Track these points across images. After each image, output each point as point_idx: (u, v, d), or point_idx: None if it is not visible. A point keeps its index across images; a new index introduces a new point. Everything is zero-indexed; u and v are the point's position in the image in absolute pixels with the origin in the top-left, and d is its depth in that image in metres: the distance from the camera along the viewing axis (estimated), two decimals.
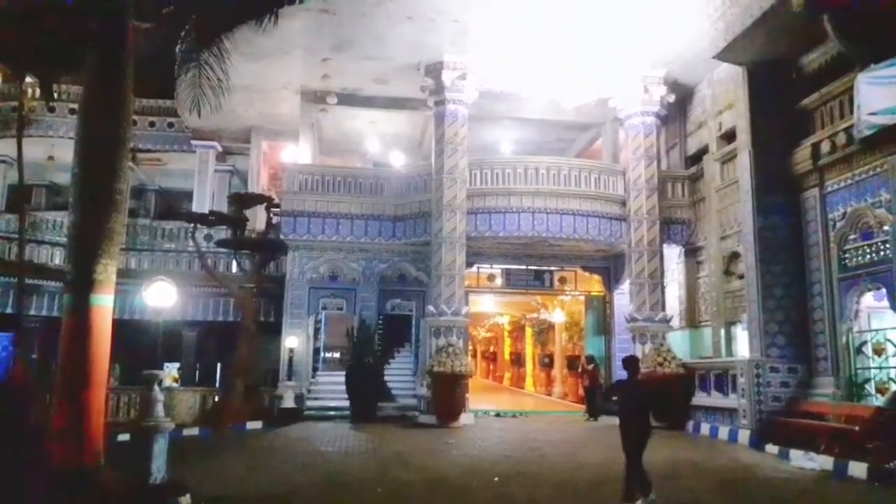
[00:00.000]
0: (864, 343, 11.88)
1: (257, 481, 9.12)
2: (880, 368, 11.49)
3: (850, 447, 10.23)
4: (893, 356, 11.17)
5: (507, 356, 36.70)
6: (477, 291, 20.13)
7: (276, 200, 18.71)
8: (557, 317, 24.65)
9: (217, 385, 18.86)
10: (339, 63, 17.13)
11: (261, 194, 20.13)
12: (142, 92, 20.93)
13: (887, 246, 11.01)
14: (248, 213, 19.25)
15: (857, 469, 9.50)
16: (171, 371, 20.05)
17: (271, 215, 18.97)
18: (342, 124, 21.36)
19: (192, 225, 18.19)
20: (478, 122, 18.62)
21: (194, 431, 14.09)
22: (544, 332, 27.71)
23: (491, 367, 42.41)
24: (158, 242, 21.98)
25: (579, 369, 18.95)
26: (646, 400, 7.91)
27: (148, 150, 23.74)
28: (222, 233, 19.39)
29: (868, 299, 11.92)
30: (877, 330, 11.82)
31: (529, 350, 30.48)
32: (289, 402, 15.85)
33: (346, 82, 18.47)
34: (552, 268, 19.58)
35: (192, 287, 18.91)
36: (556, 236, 16.93)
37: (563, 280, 19.91)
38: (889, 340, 11.36)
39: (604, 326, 19.78)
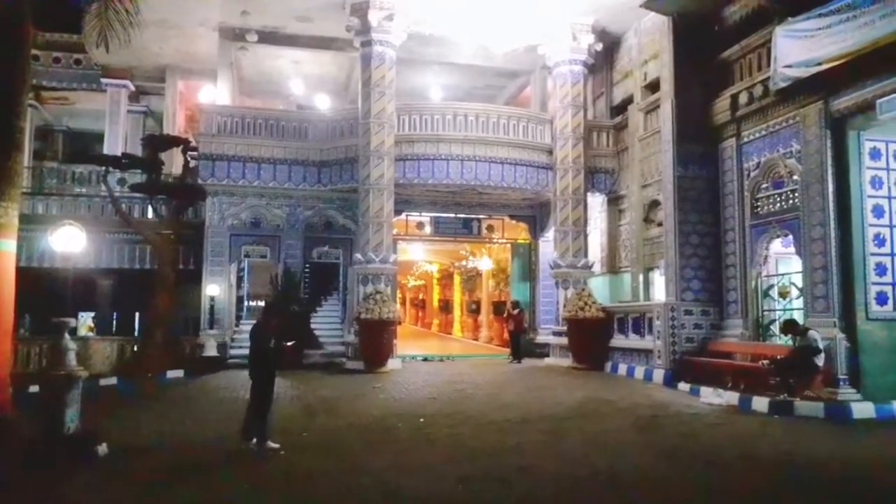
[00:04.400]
0: (771, 287, 12.57)
1: (177, 430, 8.93)
2: (784, 310, 12.20)
3: (754, 383, 10.91)
4: (797, 298, 11.85)
5: (435, 303, 37.09)
6: (406, 239, 20.10)
7: (194, 143, 17.88)
8: (485, 264, 24.99)
9: (136, 334, 18.23)
10: None
11: (177, 136, 19.18)
12: (44, 25, 19.40)
13: (796, 195, 11.54)
14: (164, 156, 18.33)
15: (760, 403, 10.17)
16: (85, 321, 19.23)
17: (188, 159, 18.11)
18: (263, 64, 20.51)
19: (103, 168, 17.20)
20: (406, 66, 18.23)
21: (112, 381, 13.63)
22: (472, 279, 28.09)
23: (420, 314, 42.82)
24: (68, 187, 20.69)
25: (505, 314, 19.34)
26: (260, 345, 7.78)
27: (53, 88, 22.13)
28: (137, 177, 18.43)
29: (776, 245, 12.55)
30: (783, 274, 12.51)
31: (457, 297, 30.90)
32: (211, 351, 15.53)
33: (267, 19, 17.67)
34: (480, 216, 19.73)
35: (106, 234, 18.01)
36: (485, 184, 16.96)
37: (490, 228, 20.13)
38: (793, 284, 12.04)
39: (529, 273, 20.20)
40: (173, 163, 19.70)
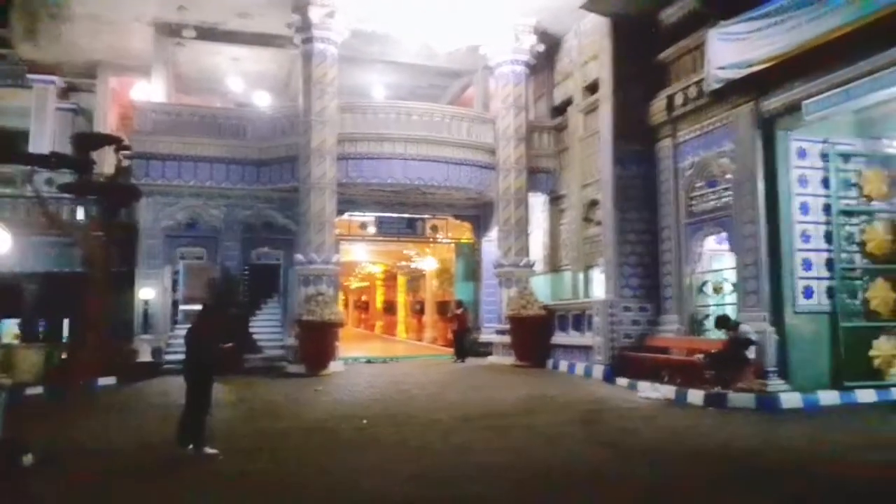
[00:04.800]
0: (705, 283, 12.94)
1: (109, 438, 8.57)
2: (717, 305, 12.57)
3: (690, 377, 11.21)
4: (730, 294, 12.23)
5: (379, 305, 36.88)
6: (348, 239, 19.89)
7: (127, 142, 17.25)
8: (429, 264, 24.97)
9: (65, 340, 17.43)
10: None
11: (108, 135, 18.43)
12: None
13: (729, 193, 11.91)
14: (95, 155, 17.60)
15: (695, 396, 10.44)
16: (8, 328, 18.28)
17: (121, 158, 17.45)
18: (201, 61, 19.96)
19: (29, 168, 16.41)
20: (349, 64, 18.05)
21: (39, 390, 13.00)
22: (416, 279, 28.04)
23: (363, 316, 42.51)
24: None
25: (449, 314, 19.36)
26: (195, 348, 7.57)
27: None
28: (66, 177, 17.65)
29: (710, 242, 12.92)
30: (716, 270, 12.89)
31: (401, 298, 30.80)
32: (145, 356, 15.01)
33: (205, 15, 17.22)
34: (424, 216, 19.69)
35: (32, 236, 17.17)
36: (429, 184, 16.91)
37: (434, 228, 20.12)
38: (726, 280, 12.43)
39: (473, 272, 20.29)
40: (105, 162, 18.95)
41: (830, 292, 10.89)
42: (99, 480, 6.36)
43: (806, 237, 10.95)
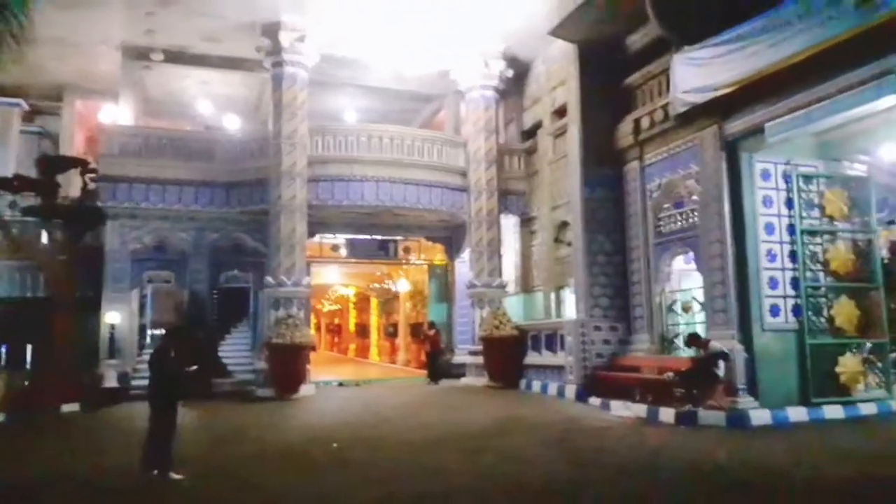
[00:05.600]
0: (675, 302, 13.09)
1: (71, 465, 8.32)
2: (687, 324, 12.72)
3: (661, 395, 11.28)
4: (698, 312, 12.38)
5: (352, 328, 36.61)
6: (320, 262, 19.75)
7: (94, 165, 17.02)
8: (402, 286, 24.89)
9: (28, 367, 16.97)
10: (166, 18, 15.89)
11: (74, 157, 18.20)
12: None
13: (695, 214, 12.12)
14: (61, 178, 17.36)
15: (666, 415, 10.51)
16: None
17: (87, 181, 17.21)
18: (170, 84, 19.85)
19: None
20: (320, 88, 18.07)
21: (0, 417, 12.62)
22: (389, 301, 27.92)
23: (336, 339, 42.14)
24: None
25: (422, 336, 19.29)
26: (160, 372, 7.52)
27: None
28: (30, 200, 17.33)
29: (679, 262, 13.10)
30: (685, 290, 13.05)
31: (374, 320, 30.60)
32: (111, 382, 14.67)
33: (173, 39, 17.14)
34: (397, 237, 19.65)
35: None
36: (401, 206, 16.93)
37: (407, 250, 20.10)
38: (695, 299, 12.59)
39: (446, 294, 20.27)
40: (71, 185, 18.67)
41: (797, 310, 11.07)
42: None
43: (772, 256, 11.16)
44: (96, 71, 18.72)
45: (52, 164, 17.10)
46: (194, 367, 7.97)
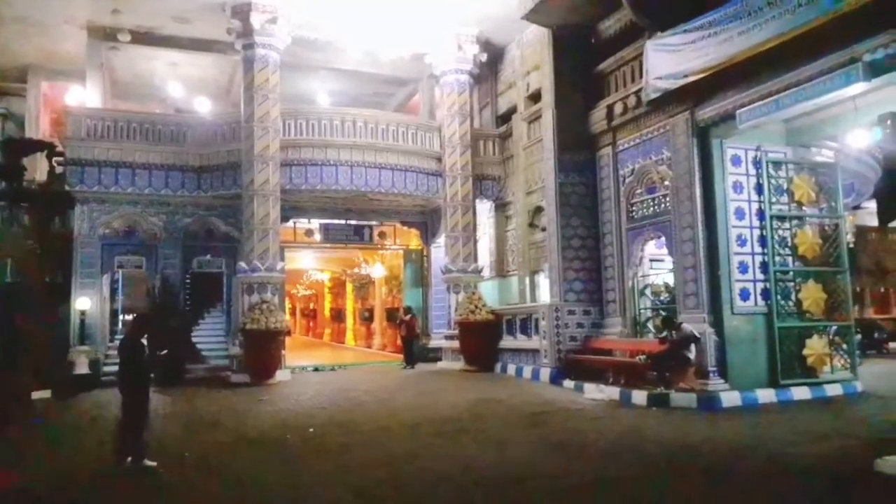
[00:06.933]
0: (647, 286, 13.27)
1: (41, 455, 8.22)
2: (658, 308, 12.91)
3: (633, 378, 11.48)
4: (669, 296, 12.57)
5: (327, 312, 36.48)
6: (294, 247, 19.60)
7: (60, 148, 16.64)
8: (377, 271, 24.85)
9: None
10: None
11: (40, 140, 17.79)
12: None
13: (667, 199, 12.26)
14: (26, 161, 16.97)
15: (639, 397, 10.70)
16: None
17: (55, 164, 16.84)
18: (138, 66, 19.45)
19: None
20: (292, 70, 17.87)
21: None
22: (365, 286, 27.85)
23: (311, 324, 42.00)
24: None
25: (398, 321, 19.31)
26: (129, 358, 7.42)
27: None
28: None
29: (650, 247, 13.28)
30: (656, 273, 13.22)
31: (350, 305, 30.52)
32: (82, 369, 14.45)
33: (140, 19, 16.79)
34: (372, 222, 19.59)
35: None
36: (375, 191, 16.85)
37: (382, 235, 20.04)
38: (666, 283, 12.77)
39: (422, 279, 20.28)
40: (37, 169, 18.25)
41: (765, 294, 11.30)
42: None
43: (742, 241, 11.35)
44: (61, 51, 18.26)
45: (17, 147, 16.70)
46: (164, 352, 7.89)
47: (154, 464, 7.12)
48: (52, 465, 7.66)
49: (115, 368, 8.21)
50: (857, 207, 13.14)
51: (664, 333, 11.10)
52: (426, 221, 19.74)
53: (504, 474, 6.70)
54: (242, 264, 15.36)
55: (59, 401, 13.00)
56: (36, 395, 13.24)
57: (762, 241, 11.40)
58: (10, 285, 15.92)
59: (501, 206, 18.34)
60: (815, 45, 9.16)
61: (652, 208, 12.78)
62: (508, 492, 6.19)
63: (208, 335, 17.52)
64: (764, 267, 11.36)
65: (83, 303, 15.35)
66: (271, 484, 6.60)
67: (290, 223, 17.89)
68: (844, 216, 12.22)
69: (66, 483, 6.89)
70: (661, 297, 12.95)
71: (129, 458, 7.13)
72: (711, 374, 10.75)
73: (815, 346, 11.24)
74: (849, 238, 12.61)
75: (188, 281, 17.22)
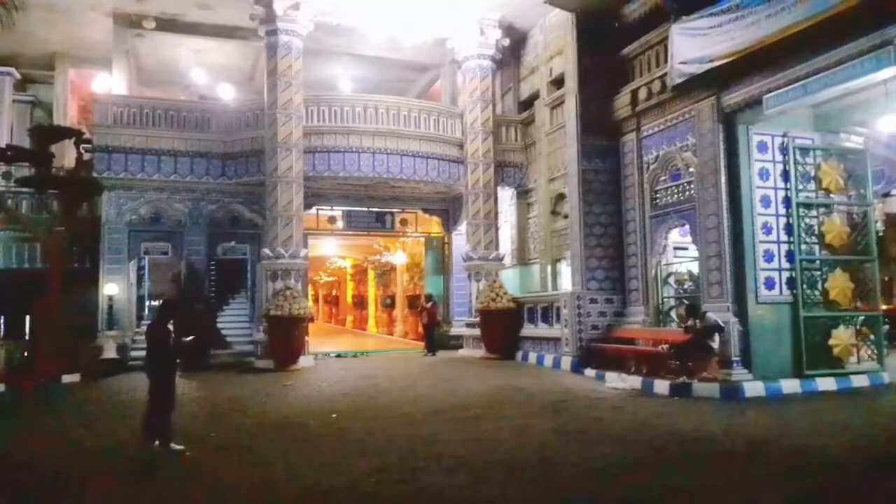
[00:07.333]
0: (670, 274, 13.15)
1: (70, 437, 8.42)
2: (682, 297, 12.79)
3: (656, 367, 11.40)
4: (694, 285, 12.44)
5: (349, 299, 36.72)
6: (317, 234, 19.71)
7: (88, 135, 16.88)
8: (399, 258, 24.92)
9: (26, 338, 17.05)
10: None
11: (68, 127, 18.02)
12: None
13: (692, 186, 12.11)
14: (54, 148, 17.21)
15: (661, 386, 10.63)
16: None
17: (82, 151, 17.08)
18: (162, 53, 19.62)
19: None
20: (315, 57, 17.91)
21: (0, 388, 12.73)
22: (386, 273, 27.96)
23: (333, 310, 42.31)
24: None
25: (419, 308, 19.38)
26: (157, 343, 7.50)
27: None
28: (24, 170, 17.22)
29: (674, 235, 13.14)
30: (680, 262, 13.09)
31: (372, 292, 30.68)
32: (110, 353, 14.77)
33: (165, 6, 16.96)
34: (394, 210, 19.62)
35: None
36: (397, 177, 16.87)
37: (404, 222, 20.06)
38: (689, 271, 12.64)
39: (443, 266, 20.31)
40: (65, 156, 18.54)
41: (791, 283, 11.14)
42: (45, 490, 6.23)
43: (767, 229, 11.20)
44: (87, 38, 18.51)
45: (46, 134, 16.91)
46: (191, 338, 8.03)
47: (181, 447, 7.26)
48: (83, 443, 7.85)
49: (142, 353, 8.39)
50: (886, 195, 12.82)
51: (688, 322, 10.98)
52: (448, 209, 19.72)
53: (523, 460, 6.71)
54: (266, 251, 15.51)
55: (88, 384, 13.27)
56: (66, 378, 13.56)
57: (788, 229, 11.23)
58: (40, 270, 16.23)
59: (523, 194, 18.25)
60: (845, 28, 8.95)
61: (676, 195, 12.63)
62: (526, 476, 6.21)
63: (233, 321, 17.74)
64: (790, 255, 11.19)
65: (111, 288, 15.64)
66: (294, 465, 6.70)
67: (313, 210, 17.99)
68: (874, 204, 11.96)
69: (93, 462, 7.05)
70: (685, 286, 12.82)
71: (157, 441, 7.27)
72: (735, 364, 10.65)
73: (841, 337, 11.07)
74: (878, 226, 12.32)
75: (213, 267, 17.45)
